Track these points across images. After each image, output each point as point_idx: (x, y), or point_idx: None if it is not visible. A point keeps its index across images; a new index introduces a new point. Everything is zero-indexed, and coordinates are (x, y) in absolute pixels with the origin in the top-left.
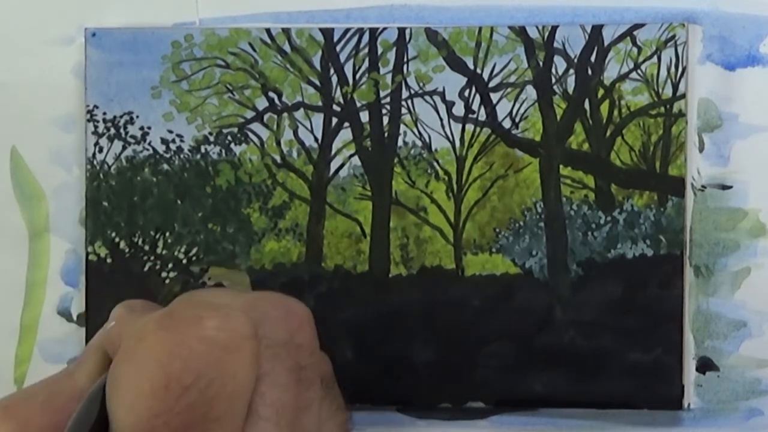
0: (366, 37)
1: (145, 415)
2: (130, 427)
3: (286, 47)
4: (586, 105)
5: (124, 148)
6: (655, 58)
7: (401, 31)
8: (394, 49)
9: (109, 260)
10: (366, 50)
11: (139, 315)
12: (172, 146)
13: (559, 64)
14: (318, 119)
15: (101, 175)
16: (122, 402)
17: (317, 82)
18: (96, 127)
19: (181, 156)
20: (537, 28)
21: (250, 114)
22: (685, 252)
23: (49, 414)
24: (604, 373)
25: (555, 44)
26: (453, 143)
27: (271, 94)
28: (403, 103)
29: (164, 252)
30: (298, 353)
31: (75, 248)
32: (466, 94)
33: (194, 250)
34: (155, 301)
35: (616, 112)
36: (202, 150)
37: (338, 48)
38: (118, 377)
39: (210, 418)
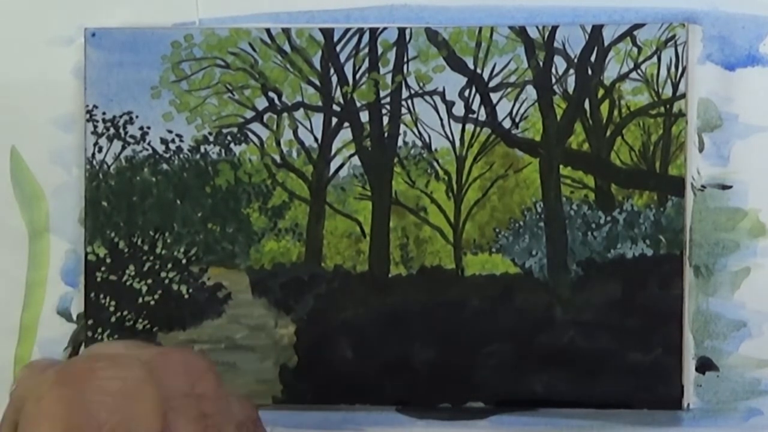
0: (366, 37)
1: None
2: None
3: (286, 47)
4: (586, 105)
5: (123, 148)
6: (655, 58)
7: (401, 31)
8: (394, 49)
9: (108, 260)
10: (366, 50)
11: (37, 372)
12: (172, 146)
13: (559, 64)
14: (318, 119)
15: (101, 175)
16: None
17: (317, 82)
18: (95, 127)
19: (181, 156)
20: (537, 28)
21: (249, 114)
22: (684, 252)
23: None
24: (604, 373)
25: (555, 44)
26: (453, 143)
27: (271, 94)
28: (403, 103)
29: (164, 252)
30: (200, 403)
31: (75, 248)
32: (466, 94)
33: (194, 250)
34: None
35: (616, 112)
36: (202, 150)
37: (338, 48)
38: None
39: None
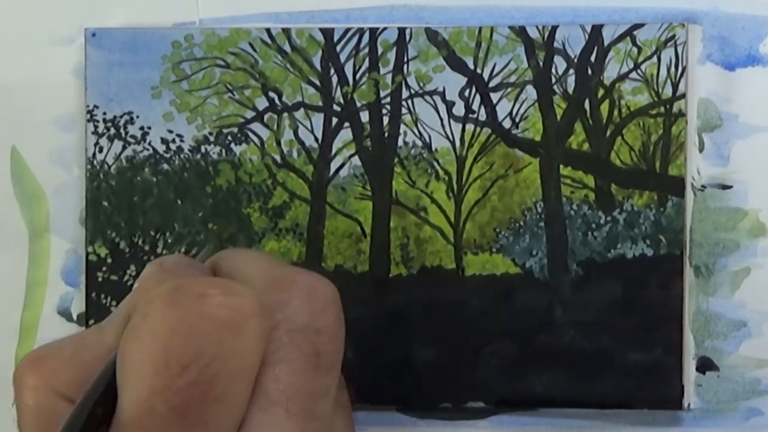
0: (366, 37)
1: (145, 393)
2: (131, 404)
3: (286, 47)
4: (586, 105)
5: (124, 148)
6: (655, 58)
7: (401, 31)
8: (394, 49)
9: (109, 260)
10: (366, 50)
11: (166, 275)
12: (172, 146)
13: (559, 64)
14: (318, 119)
15: (101, 175)
16: (126, 378)
17: (317, 82)
18: (96, 127)
19: (181, 156)
20: (537, 28)
21: (250, 114)
22: (685, 252)
23: (75, 369)
24: (604, 373)
25: (555, 44)
26: (453, 143)
27: (271, 94)
28: (403, 103)
29: (164, 252)
30: (317, 338)
31: (75, 248)
32: (466, 94)
33: (194, 250)
34: None
35: (616, 112)
36: (202, 150)
37: (338, 48)
38: (124, 353)
39: (210, 397)
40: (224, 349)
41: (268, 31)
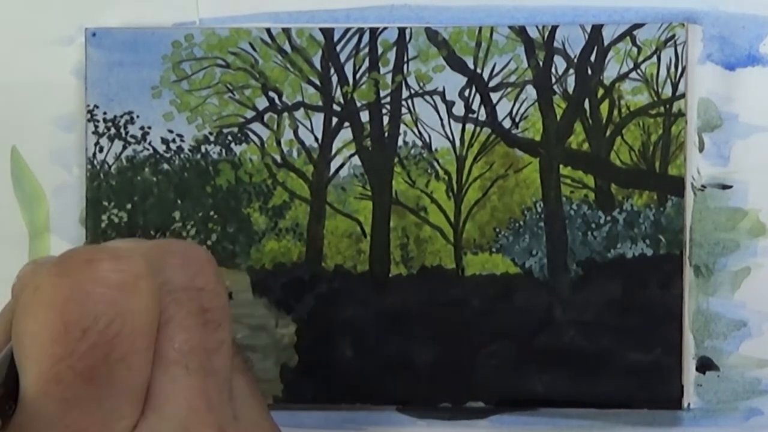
0: (366, 37)
1: (48, 362)
2: (36, 377)
3: (287, 47)
4: (586, 105)
5: (124, 147)
6: (654, 58)
7: (401, 31)
8: (394, 49)
9: None
10: (366, 50)
11: (38, 264)
12: (173, 146)
13: (559, 63)
14: (318, 119)
15: (101, 175)
16: (26, 354)
17: (317, 82)
18: (96, 126)
19: (182, 156)
20: (537, 27)
21: (250, 114)
22: (684, 252)
23: None
24: (604, 373)
25: (555, 44)
26: (453, 143)
27: (272, 94)
28: (403, 102)
29: None
30: (200, 296)
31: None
32: (466, 93)
33: None
34: None
35: (615, 112)
36: (203, 150)
37: (338, 48)
38: (20, 331)
39: (114, 358)
40: (121, 310)
41: (268, 30)
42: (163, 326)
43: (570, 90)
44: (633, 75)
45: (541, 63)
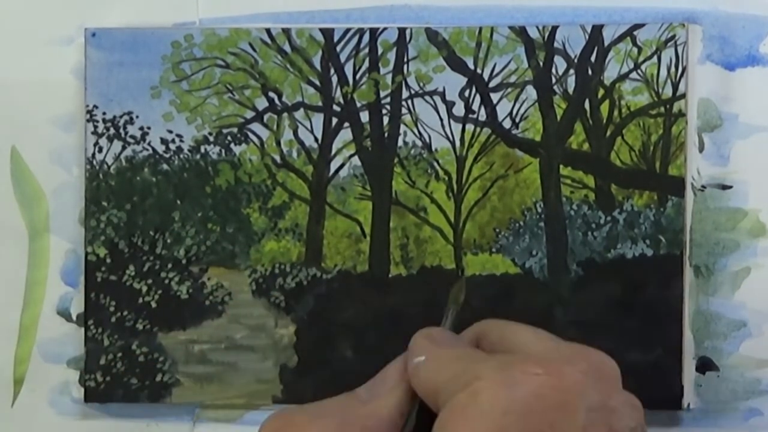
0: (366, 38)
1: None
2: None
3: (286, 47)
4: (586, 105)
5: (123, 148)
6: (655, 58)
7: (401, 31)
8: (395, 49)
9: (108, 260)
10: (366, 50)
11: (447, 351)
12: (172, 146)
13: (560, 64)
14: (318, 119)
15: (101, 175)
16: None
17: (317, 82)
18: (96, 127)
19: (181, 156)
20: (537, 28)
21: (250, 114)
22: (685, 252)
23: None
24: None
25: (555, 44)
26: (453, 143)
27: (271, 94)
28: (403, 103)
29: (164, 252)
30: (611, 417)
31: (75, 248)
32: (467, 94)
33: (194, 250)
34: None
35: (616, 112)
36: (202, 150)
37: (338, 48)
38: (448, 428)
39: None
40: (555, 429)
41: (268, 31)
42: None
43: (570, 90)
44: (633, 75)
45: (541, 63)
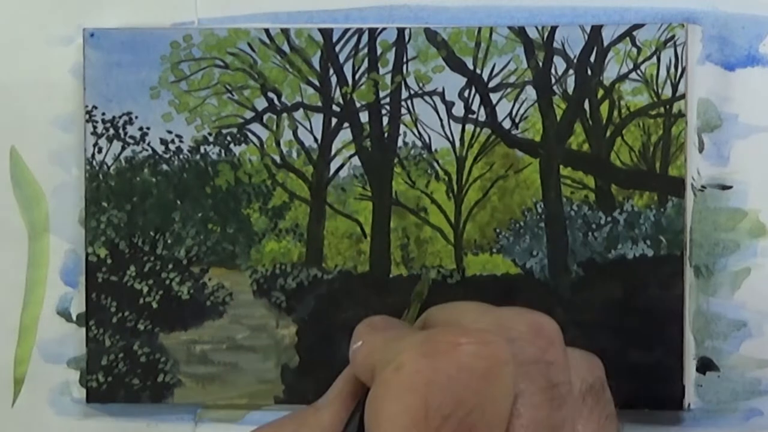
0: (365, 38)
1: None
2: None
3: (285, 47)
4: (586, 105)
5: (123, 148)
6: (654, 59)
7: (400, 31)
8: (394, 49)
9: (108, 261)
10: (365, 50)
11: (382, 333)
12: (172, 146)
13: (559, 64)
14: (318, 119)
15: (100, 176)
16: None
17: (316, 83)
18: (95, 127)
19: (181, 156)
20: (536, 28)
21: (249, 114)
22: (685, 252)
23: None
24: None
25: (554, 44)
26: (453, 143)
27: (271, 95)
28: (403, 103)
29: (164, 252)
30: (549, 371)
31: (74, 248)
32: (466, 94)
33: (194, 251)
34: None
35: (615, 113)
36: (202, 150)
37: (337, 48)
38: (377, 408)
39: None
40: (482, 398)
41: (267, 31)
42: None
43: (570, 90)
44: (633, 75)
45: (540, 63)
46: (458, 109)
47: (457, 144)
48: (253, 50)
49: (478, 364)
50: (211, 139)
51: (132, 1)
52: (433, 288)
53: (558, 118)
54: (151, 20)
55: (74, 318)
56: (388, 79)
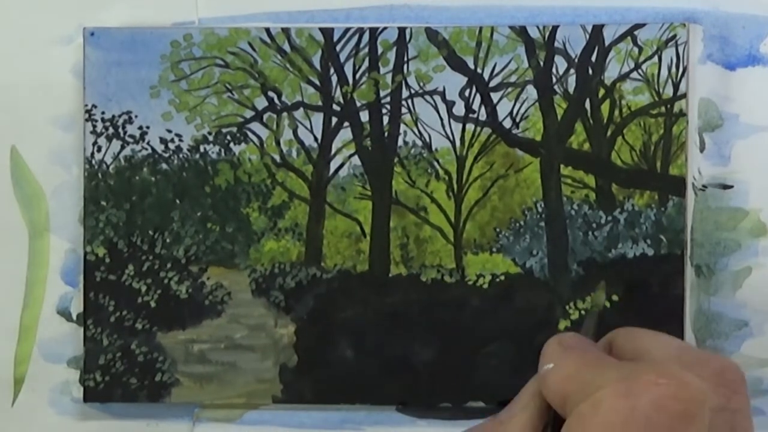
0: (366, 37)
1: None
2: None
3: (286, 47)
4: (587, 105)
5: (122, 147)
6: (655, 58)
7: (401, 30)
8: (394, 48)
9: (107, 260)
10: (366, 50)
11: (574, 356)
12: (171, 146)
13: (560, 63)
14: (318, 119)
15: (100, 175)
16: None
17: (317, 82)
18: (95, 126)
19: (180, 155)
20: (538, 27)
21: (249, 113)
22: (686, 252)
23: None
24: None
25: (556, 44)
26: (453, 143)
27: (271, 94)
28: (403, 102)
29: (163, 252)
30: (733, 419)
31: (75, 248)
32: (467, 93)
33: (193, 250)
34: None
35: (616, 112)
36: (201, 149)
37: (338, 48)
38: None
39: None
40: None
41: (267, 30)
42: None
43: (571, 90)
44: (634, 75)
45: (541, 63)
46: (459, 109)
47: (458, 143)
48: (253, 49)
49: (676, 406)
50: (210, 138)
51: (132, 1)
52: (433, 288)
53: (559, 117)
54: (152, 19)
55: (74, 317)
56: (388, 78)
